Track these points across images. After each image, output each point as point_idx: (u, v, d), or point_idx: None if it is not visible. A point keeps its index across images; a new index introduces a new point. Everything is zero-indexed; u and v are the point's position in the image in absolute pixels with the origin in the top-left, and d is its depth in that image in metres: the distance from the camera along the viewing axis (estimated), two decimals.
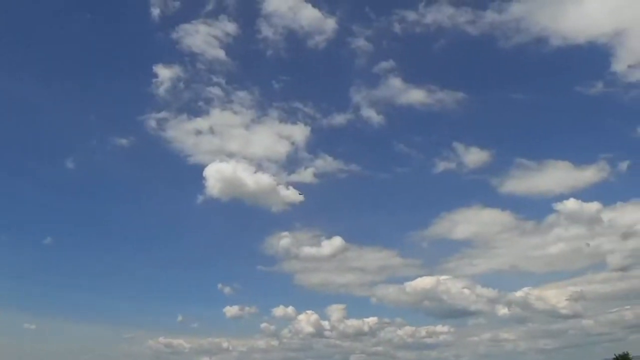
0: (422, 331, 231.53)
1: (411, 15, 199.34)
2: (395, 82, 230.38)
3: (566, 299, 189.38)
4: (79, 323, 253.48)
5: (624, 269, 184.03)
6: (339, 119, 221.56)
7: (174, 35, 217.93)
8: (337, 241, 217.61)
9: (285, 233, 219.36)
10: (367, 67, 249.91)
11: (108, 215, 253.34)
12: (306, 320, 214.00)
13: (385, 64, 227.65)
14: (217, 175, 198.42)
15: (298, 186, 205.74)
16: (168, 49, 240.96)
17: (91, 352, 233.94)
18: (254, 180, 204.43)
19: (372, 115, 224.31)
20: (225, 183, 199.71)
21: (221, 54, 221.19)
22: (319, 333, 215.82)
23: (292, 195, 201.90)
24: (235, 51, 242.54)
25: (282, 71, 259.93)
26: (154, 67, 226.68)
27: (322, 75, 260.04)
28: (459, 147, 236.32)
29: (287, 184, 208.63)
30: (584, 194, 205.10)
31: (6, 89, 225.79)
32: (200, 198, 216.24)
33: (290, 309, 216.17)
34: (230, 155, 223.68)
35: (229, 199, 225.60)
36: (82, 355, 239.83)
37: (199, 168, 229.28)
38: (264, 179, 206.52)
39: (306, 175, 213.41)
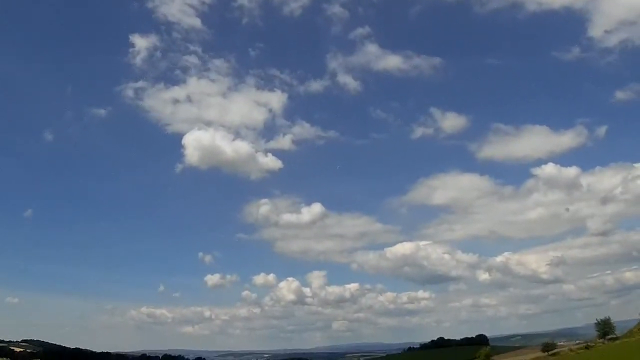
0: (404, 297, 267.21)
1: None
2: (372, 48, 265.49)
3: (547, 264, 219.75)
4: (61, 295, 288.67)
5: (604, 233, 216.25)
6: (316, 85, 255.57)
7: (150, 5, 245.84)
8: (317, 208, 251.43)
9: (265, 200, 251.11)
10: (343, 33, 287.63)
11: (87, 186, 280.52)
12: (287, 288, 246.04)
13: (361, 30, 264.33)
14: (196, 143, 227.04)
15: (276, 153, 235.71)
16: (144, 18, 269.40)
17: (73, 323, 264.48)
18: (232, 148, 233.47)
19: (348, 81, 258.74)
20: (203, 151, 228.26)
21: (197, 22, 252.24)
22: (300, 300, 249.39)
23: (270, 162, 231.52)
24: (211, 19, 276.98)
25: (258, 39, 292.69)
26: (130, 37, 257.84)
27: (298, 42, 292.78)
28: (436, 112, 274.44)
29: (266, 151, 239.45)
30: (562, 159, 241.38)
31: None
32: (179, 167, 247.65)
33: (271, 277, 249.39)
34: (208, 124, 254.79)
35: (208, 167, 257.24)
36: (64, 327, 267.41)
37: (177, 137, 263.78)
38: (242, 147, 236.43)
39: (284, 142, 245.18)
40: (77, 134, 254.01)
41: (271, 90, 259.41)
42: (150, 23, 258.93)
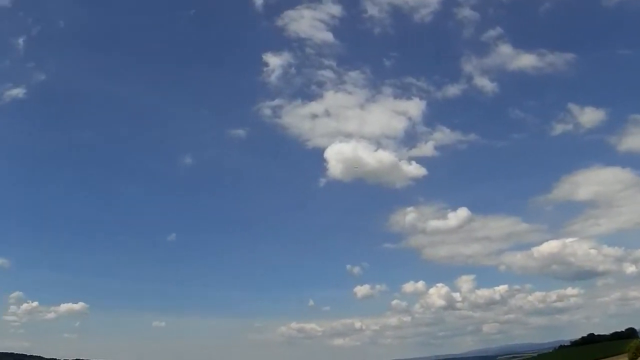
0: (552, 295, 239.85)
1: None
2: (505, 49, 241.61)
3: None
4: (208, 318, 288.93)
5: None
6: (453, 90, 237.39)
7: (280, 23, 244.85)
8: (463, 212, 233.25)
9: (411, 208, 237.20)
10: (475, 36, 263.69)
11: (229, 207, 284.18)
12: (437, 294, 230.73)
13: (493, 32, 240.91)
14: (338, 156, 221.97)
15: (419, 160, 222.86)
16: (275, 36, 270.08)
17: (221, 345, 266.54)
18: (374, 158, 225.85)
19: (485, 83, 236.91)
20: (346, 164, 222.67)
21: (329, 36, 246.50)
22: (450, 305, 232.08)
23: (414, 170, 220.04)
24: (342, 33, 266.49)
25: (391, 48, 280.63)
26: (263, 56, 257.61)
27: (432, 48, 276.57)
28: (573, 108, 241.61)
29: (409, 159, 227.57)
30: None
31: (118, 95, 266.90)
32: (322, 181, 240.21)
33: (420, 284, 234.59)
34: (348, 136, 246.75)
35: (352, 179, 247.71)
36: (212, 349, 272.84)
37: (319, 151, 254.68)
38: (385, 156, 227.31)
39: (426, 149, 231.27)
40: (216, 156, 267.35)
41: (409, 98, 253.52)
42: (281, 41, 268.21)
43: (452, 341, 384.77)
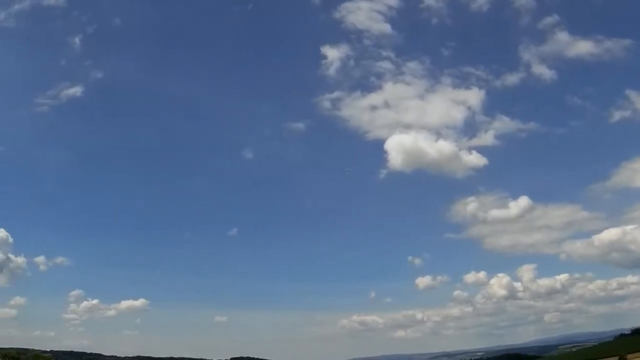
0: (613, 283, 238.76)
1: None
2: (562, 36, 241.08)
3: None
4: (269, 311, 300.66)
5: None
6: (512, 78, 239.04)
7: (337, 15, 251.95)
8: (523, 201, 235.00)
9: (472, 198, 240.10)
10: (532, 24, 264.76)
11: (290, 201, 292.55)
12: (498, 284, 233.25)
13: (550, 19, 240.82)
14: (398, 147, 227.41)
15: (480, 150, 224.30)
16: (333, 29, 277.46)
17: (282, 337, 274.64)
18: (435, 148, 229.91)
19: (543, 71, 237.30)
20: (407, 155, 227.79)
21: (387, 28, 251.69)
22: (511, 295, 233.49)
23: (475, 159, 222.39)
24: (400, 23, 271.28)
25: (449, 38, 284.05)
26: (321, 49, 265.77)
27: (489, 37, 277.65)
28: (631, 94, 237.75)
29: (469, 149, 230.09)
30: None
31: (176, 91, 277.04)
32: (382, 172, 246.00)
33: (481, 274, 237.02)
34: (408, 127, 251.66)
35: (412, 170, 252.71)
36: (274, 343, 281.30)
37: (379, 143, 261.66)
38: (446, 147, 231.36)
39: (487, 138, 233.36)
40: (276, 150, 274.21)
41: (468, 87, 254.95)
42: (339, 33, 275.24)
43: (513, 331, 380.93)
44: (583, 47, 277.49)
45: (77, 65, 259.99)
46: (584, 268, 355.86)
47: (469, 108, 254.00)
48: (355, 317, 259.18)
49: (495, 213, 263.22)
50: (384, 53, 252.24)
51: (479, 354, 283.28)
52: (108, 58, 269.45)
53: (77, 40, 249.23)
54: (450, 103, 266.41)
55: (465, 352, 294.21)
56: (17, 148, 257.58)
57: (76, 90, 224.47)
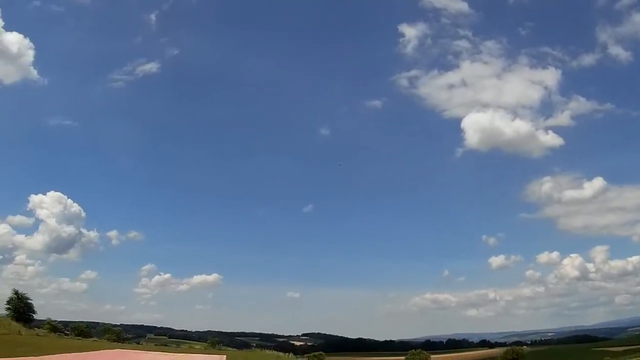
0: None
1: None
2: (638, 18, 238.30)
3: None
4: (342, 288, 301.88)
5: None
6: (588, 59, 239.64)
7: None
8: (598, 182, 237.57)
9: (547, 178, 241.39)
10: (609, 4, 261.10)
11: (366, 178, 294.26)
12: (570, 264, 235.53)
13: (626, 0, 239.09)
14: (475, 126, 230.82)
15: (556, 130, 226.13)
16: (410, 7, 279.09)
17: (355, 314, 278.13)
18: (511, 128, 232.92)
19: (619, 52, 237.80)
20: (483, 133, 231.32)
21: (464, 6, 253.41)
22: (583, 276, 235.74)
23: (551, 139, 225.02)
24: (478, 2, 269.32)
25: (526, 17, 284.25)
26: (398, 27, 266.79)
27: (566, 17, 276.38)
28: None
29: (546, 129, 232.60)
30: None
31: (252, 68, 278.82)
32: (459, 151, 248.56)
33: (554, 254, 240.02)
34: (485, 106, 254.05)
35: (488, 149, 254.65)
36: (345, 319, 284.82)
37: (456, 121, 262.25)
38: (522, 126, 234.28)
39: (563, 118, 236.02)
40: (353, 127, 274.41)
41: (544, 67, 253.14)
42: (417, 11, 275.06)
43: (583, 313, 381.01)
44: None
45: (153, 42, 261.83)
46: None
47: (545, 88, 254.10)
48: (427, 295, 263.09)
49: (570, 193, 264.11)
50: (462, 32, 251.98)
51: (549, 334, 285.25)
52: (184, 35, 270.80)
53: (152, 16, 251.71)
54: (527, 83, 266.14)
55: (536, 332, 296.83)
56: (91, 123, 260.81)
57: (151, 67, 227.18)
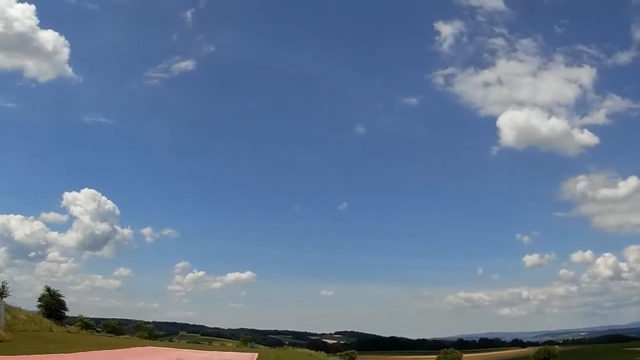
0: None
1: None
2: None
3: None
4: (377, 285, 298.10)
5: None
6: (623, 57, 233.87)
7: None
8: (633, 181, 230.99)
9: (582, 176, 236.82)
10: None
11: (400, 175, 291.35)
12: (604, 264, 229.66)
13: None
14: (511, 124, 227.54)
15: (591, 128, 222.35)
16: (446, 5, 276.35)
17: (388, 312, 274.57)
18: (547, 126, 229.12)
19: None
20: (519, 132, 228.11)
21: (500, 4, 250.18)
22: (617, 275, 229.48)
23: (586, 138, 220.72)
24: (513, 0, 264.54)
25: (561, 15, 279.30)
26: (434, 25, 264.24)
27: (601, 15, 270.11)
28: None
29: (581, 127, 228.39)
30: None
31: (289, 65, 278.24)
32: (494, 149, 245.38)
33: (588, 253, 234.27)
34: (521, 104, 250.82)
35: (524, 148, 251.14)
36: (378, 317, 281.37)
37: (491, 119, 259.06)
38: (558, 124, 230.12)
39: (598, 117, 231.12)
40: (388, 125, 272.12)
41: (580, 65, 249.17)
42: (453, 9, 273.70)
43: (616, 312, 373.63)
44: None
45: (189, 40, 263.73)
46: None
47: (580, 86, 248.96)
48: (461, 294, 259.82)
49: (605, 192, 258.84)
50: (497, 30, 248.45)
51: (581, 333, 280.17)
52: (220, 32, 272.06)
53: (188, 14, 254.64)
54: (562, 81, 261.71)
55: (568, 332, 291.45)
56: (127, 121, 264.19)
57: (187, 64, 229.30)
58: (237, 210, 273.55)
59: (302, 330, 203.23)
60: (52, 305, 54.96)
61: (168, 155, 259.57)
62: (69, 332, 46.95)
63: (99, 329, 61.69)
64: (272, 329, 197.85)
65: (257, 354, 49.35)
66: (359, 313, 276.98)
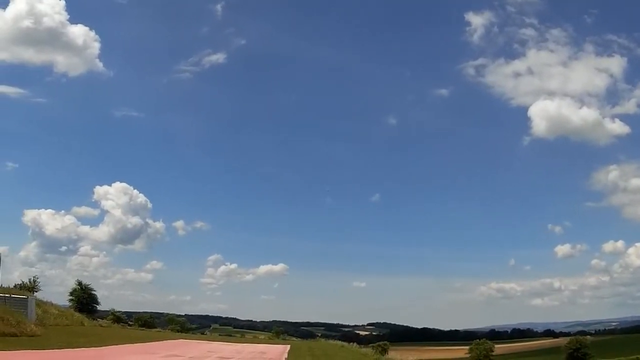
0: None
1: None
2: None
3: None
4: (408, 277, 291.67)
5: None
6: None
7: None
8: None
9: (613, 166, 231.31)
10: None
11: (432, 167, 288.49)
12: (635, 254, 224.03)
13: None
14: (542, 114, 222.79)
15: (622, 118, 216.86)
16: None
17: (420, 304, 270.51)
18: (578, 116, 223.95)
19: None
20: (550, 121, 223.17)
21: None
22: None
23: (617, 127, 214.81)
24: None
25: (591, 5, 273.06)
26: (465, 16, 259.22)
27: (631, 4, 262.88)
28: None
29: (612, 117, 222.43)
30: None
31: (319, 57, 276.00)
32: (525, 139, 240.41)
33: (619, 243, 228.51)
34: (552, 94, 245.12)
35: (555, 137, 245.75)
36: (410, 308, 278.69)
37: (522, 110, 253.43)
38: (589, 114, 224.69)
39: (629, 106, 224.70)
40: (420, 116, 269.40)
41: (610, 55, 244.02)
42: (483, 0, 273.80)
43: None
44: None
45: (219, 33, 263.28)
46: None
47: (611, 76, 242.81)
48: (493, 285, 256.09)
49: (636, 182, 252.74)
50: (527, 20, 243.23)
51: (613, 324, 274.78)
52: (250, 25, 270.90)
53: (218, 7, 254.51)
54: (593, 70, 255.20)
55: (600, 322, 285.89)
56: (157, 114, 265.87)
57: (218, 57, 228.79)
58: (269, 202, 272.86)
59: (334, 322, 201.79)
60: (84, 299, 54.95)
61: (199, 148, 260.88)
62: (101, 325, 46.80)
63: (131, 323, 61.63)
64: (304, 321, 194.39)
65: (289, 346, 48.62)
66: (391, 304, 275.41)
